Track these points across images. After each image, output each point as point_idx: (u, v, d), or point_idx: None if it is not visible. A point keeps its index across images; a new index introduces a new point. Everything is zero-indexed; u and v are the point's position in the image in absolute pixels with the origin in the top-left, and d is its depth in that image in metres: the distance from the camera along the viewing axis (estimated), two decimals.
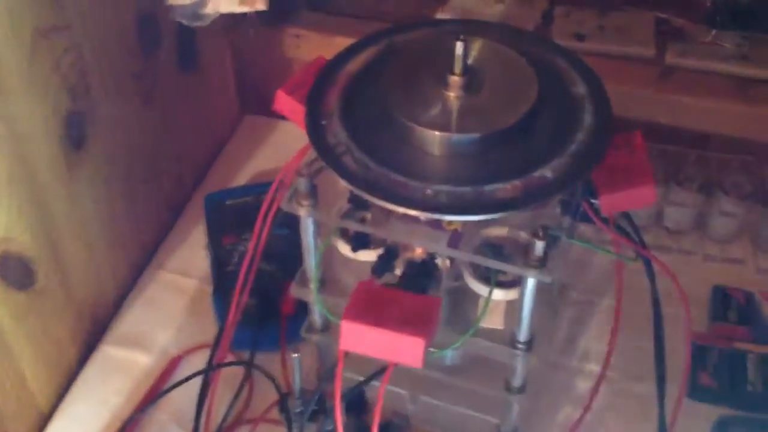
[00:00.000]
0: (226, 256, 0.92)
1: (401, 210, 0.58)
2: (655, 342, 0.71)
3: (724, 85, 0.93)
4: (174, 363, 0.86)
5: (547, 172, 0.60)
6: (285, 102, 0.70)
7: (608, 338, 0.73)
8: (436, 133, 0.60)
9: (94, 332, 0.88)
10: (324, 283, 0.70)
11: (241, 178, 1.04)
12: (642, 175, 0.64)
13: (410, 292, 0.61)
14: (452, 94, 0.62)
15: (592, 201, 0.64)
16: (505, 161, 0.61)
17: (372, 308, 0.57)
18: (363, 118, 0.64)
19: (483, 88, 0.63)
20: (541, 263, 0.59)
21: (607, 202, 0.63)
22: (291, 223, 0.67)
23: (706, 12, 0.95)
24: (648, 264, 0.68)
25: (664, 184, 0.92)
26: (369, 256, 0.68)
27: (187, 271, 0.95)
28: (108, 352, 0.87)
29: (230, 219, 0.95)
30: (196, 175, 1.04)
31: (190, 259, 0.96)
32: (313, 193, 0.63)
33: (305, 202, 0.63)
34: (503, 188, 0.59)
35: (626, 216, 0.68)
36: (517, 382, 0.68)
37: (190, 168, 1.02)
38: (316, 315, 0.73)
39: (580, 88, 0.66)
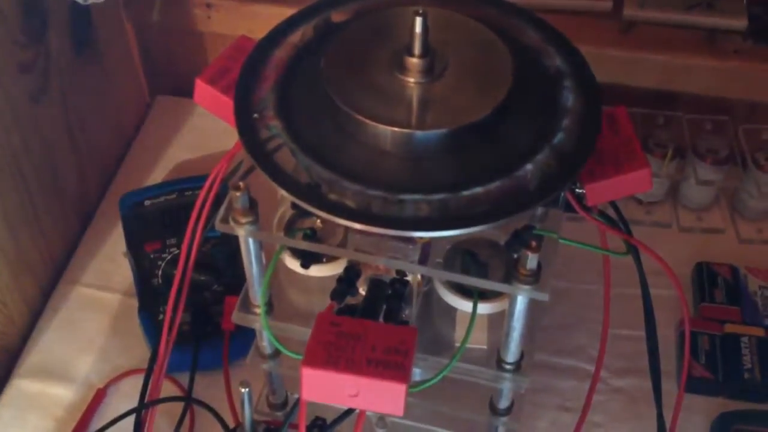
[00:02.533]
0: (150, 265, 0.80)
1: (356, 226, 0.48)
2: (648, 339, 0.63)
3: (690, 38, 0.85)
4: (100, 395, 0.75)
5: (531, 170, 0.51)
6: (206, 93, 0.59)
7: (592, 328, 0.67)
8: (395, 129, 0.50)
9: (4, 366, 0.76)
10: (271, 306, 0.59)
11: (159, 173, 0.92)
12: (632, 158, 0.55)
13: (379, 321, 0.52)
14: (411, 80, 0.52)
15: (577, 190, 0.55)
16: (481, 160, 0.51)
17: (337, 348, 0.48)
18: (305, 112, 0.54)
19: (447, 70, 0.53)
20: (535, 277, 0.49)
21: (594, 192, 0.54)
22: None
23: None
24: (636, 253, 0.59)
25: None
26: (323, 271, 0.58)
27: (106, 285, 0.83)
28: (22, 386, 0.76)
29: (151, 222, 0.83)
30: (105, 173, 0.91)
31: (107, 270, 0.84)
32: (252, 208, 0.52)
33: (243, 220, 0.52)
34: (481, 194, 0.49)
35: (611, 202, 0.59)
36: (503, 403, 0.59)
37: (97, 166, 0.89)
38: (264, 340, 0.62)
39: (557, 62, 0.57)
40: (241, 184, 0.51)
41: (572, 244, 0.56)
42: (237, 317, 0.59)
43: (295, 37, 0.59)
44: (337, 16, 0.61)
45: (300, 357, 0.49)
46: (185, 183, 0.86)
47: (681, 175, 0.85)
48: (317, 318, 0.49)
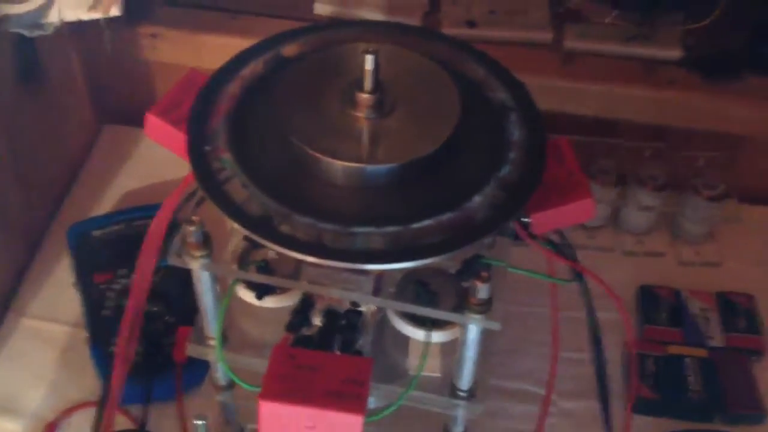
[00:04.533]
0: (100, 296, 0.79)
1: (308, 259, 0.49)
2: (596, 363, 0.66)
3: (629, 68, 0.87)
4: (50, 429, 0.74)
5: (479, 202, 0.52)
6: (157, 127, 0.59)
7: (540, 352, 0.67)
8: (348, 164, 0.51)
9: None
10: (225, 338, 0.60)
11: (107, 202, 0.92)
12: (576, 187, 0.57)
13: (335, 352, 0.53)
14: (362, 115, 0.53)
15: (523, 219, 0.56)
16: (431, 193, 0.52)
17: (294, 380, 0.49)
18: (257, 145, 0.55)
19: (397, 106, 0.54)
20: (486, 307, 0.51)
21: (540, 221, 0.56)
22: None
23: None
24: (582, 279, 0.61)
25: None
26: (277, 302, 0.59)
27: (54, 316, 0.82)
28: None
29: (100, 253, 0.83)
30: (52, 202, 0.90)
31: (56, 301, 0.83)
32: (206, 242, 0.53)
33: (198, 254, 0.53)
34: (431, 226, 0.50)
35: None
36: (457, 429, 0.60)
37: (44, 195, 0.89)
38: (219, 371, 0.63)
39: (501, 95, 0.58)
40: (194, 218, 0.52)
41: (521, 273, 0.58)
42: (192, 350, 0.59)
43: (247, 71, 0.60)
44: (288, 51, 0.62)
45: (256, 389, 0.49)
46: (134, 212, 0.85)
47: (623, 201, 0.87)
48: (273, 350, 0.50)
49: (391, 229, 0.50)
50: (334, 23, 0.67)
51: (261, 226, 0.50)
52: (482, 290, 0.50)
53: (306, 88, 0.55)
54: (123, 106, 0.99)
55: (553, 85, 0.87)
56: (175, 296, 0.77)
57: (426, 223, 0.50)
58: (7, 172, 0.81)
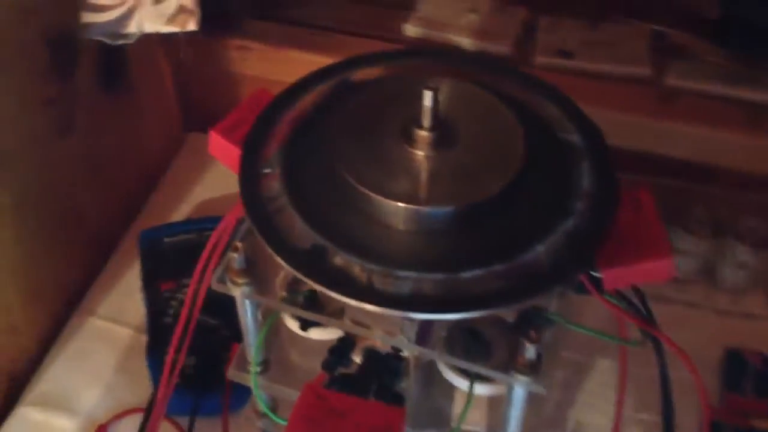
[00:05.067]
0: (163, 305, 0.79)
1: (351, 302, 0.46)
2: (665, 429, 0.61)
3: (733, 112, 0.81)
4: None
5: (540, 254, 0.49)
6: (219, 144, 0.58)
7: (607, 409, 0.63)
8: (399, 204, 0.49)
9: (10, 394, 0.76)
10: (268, 365, 0.58)
11: (185, 209, 0.92)
12: (655, 243, 0.53)
13: (370, 397, 0.51)
14: (419, 153, 0.51)
15: (593, 274, 0.53)
16: (487, 240, 0.49)
17: (320, 424, 0.47)
18: (311, 176, 0.53)
19: (457, 144, 0.51)
20: (533, 369, 0.47)
21: (611, 277, 0.52)
22: None
23: (713, 28, 0.83)
24: (657, 343, 0.57)
25: (668, 227, 0.80)
26: (323, 334, 0.57)
27: (120, 318, 0.82)
28: (26, 415, 0.75)
29: (168, 260, 0.83)
30: (129, 207, 0.91)
31: (124, 303, 0.83)
32: (250, 269, 0.51)
33: (240, 281, 0.51)
34: (483, 276, 0.48)
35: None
36: None
37: (121, 200, 0.89)
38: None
39: (575, 139, 0.55)
40: (238, 244, 0.50)
41: (583, 331, 0.55)
42: (232, 374, 0.58)
43: (311, 96, 0.59)
44: (357, 77, 0.60)
45: (285, 423, 0.48)
46: (206, 223, 0.85)
47: (717, 255, 0.81)
48: (303, 389, 0.48)
49: (441, 276, 0.47)
50: (404, 51, 0.65)
51: (304, 262, 0.48)
52: (530, 351, 0.47)
53: (365, 119, 0.53)
54: (209, 115, 0.99)
55: (648, 123, 0.83)
56: (234, 311, 0.76)
57: (479, 272, 0.48)
58: (86, 177, 0.82)
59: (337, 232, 0.49)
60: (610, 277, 0.51)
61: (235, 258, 0.50)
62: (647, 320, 0.57)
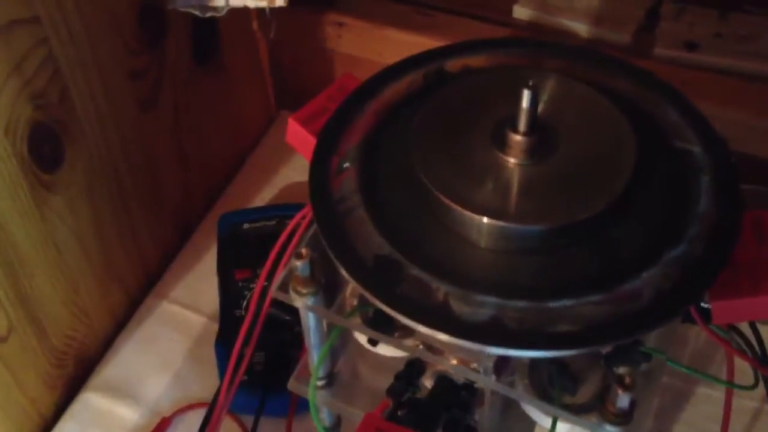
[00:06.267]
0: (237, 294, 0.76)
1: (422, 329, 0.41)
2: None
3: None
4: (164, 425, 0.71)
5: (642, 284, 0.42)
6: (297, 134, 0.54)
7: None
8: (484, 219, 0.43)
9: (77, 377, 0.74)
10: (333, 378, 0.54)
11: (270, 192, 0.88)
12: None
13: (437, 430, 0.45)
14: (512, 160, 0.45)
15: (703, 305, 0.46)
16: (583, 265, 0.43)
17: None
18: (388, 177, 0.48)
19: (557, 152, 0.45)
20: (625, 419, 0.41)
21: (722, 310, 0.45)
22: None
23: None
24: None
25: None
26: (394, 350, 0.51)
27: (194, 305, 0.79)
28: (90, 401, 0.73)
29: (246, 247, 0.79)
30: (213, 186, 0.88)
31: (199, 289, 0.80)
32: (314, 278, 0.46)
33: (304, 291, 0.47)
34: (576, 307, 0.41)
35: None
36: None
37: (205, 179, 0.86)
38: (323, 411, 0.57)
39: (694, 150, 0.48)
40: (304, 251, 0.45)
41: (685, 371, 0.48)
42: (292, 385, 0.54)
43: (403, 85, 0.53)
44: (452, 67, 0.54)
45: None
46: (288, 209, 0.80)
47: None
48: (363, 419, 0.43)
49: (525, 303, 0.41)
50: (504, 40, 0.59)
51: (370, 276, 0.43)
52: (623, 399, 0.40)
53: (454, 117, 0.47)
54: (304, 94, 0.95)
55: None
56: None
57: (570, 302, 0.41)
58: (169, 154, 0.79)
59: (411, 243, 0.44)
60: (720, 309, 0.45)
61: (299, 266, 0.45)
62: (761, 360, 0.51)
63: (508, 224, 0.42)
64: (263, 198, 0.87)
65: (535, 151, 0.44)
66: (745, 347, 0.51)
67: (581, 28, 0.81)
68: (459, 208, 0.43)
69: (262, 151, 0.93)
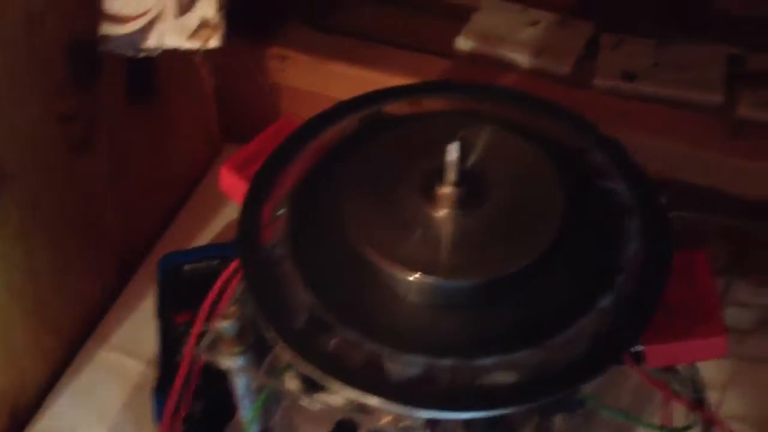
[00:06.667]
0: (178, 339, 0.73)
1: (350, 393, 0.40)
2: None
3: None
4: None
5: (573, 337, 0.42)
6: (230, 182, 0.53)
7: None
8: (409, 273, 0.42)
9: (11, 430, 0.72)
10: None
11: (214, 228, 0.86)
12: (706, 319, 0.46)
13: None
14: (442, 213, 0.44)
15: (636, 349, 0.46)
16: (513, 318, 0.42)
17: None
18: (318, 227, 0.47)
19: (486, 203, 0.44)
20: None
21: (656, 354, 0.45)
22: None
23: None
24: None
25: (727, 273, 0.72)
26: (327, 398, 0.50)
27: (135, 350, 0.77)
28: None
29: (187, 289, 0.76)
30: (155, 225, 0.86)
31: (140, 334, 0.77)
32: (243, 337, 0.45)
33: (232, 351, 0.45)
34: (503, 364, 0.41)
35: None
36: None
37: (146, 218, 0.84)
38: None
39: (624, 195, 0.48)
40: (231, 311, 0.44)
41: (620, 418, 0.48)
42: None
43: (339, 129, 0.53)
44: (389, 110, 0.54)
45: None
46: (232, 248, 0.79)
47: None
48: None
49: (454, 361, 0.41)
50: (434, 84, 0.58)
51: (297, 335, 0.42)
52: None
53: (384, 168, 0.47)
54: (250, 126, 0.94)
55: (715, 157, 0.74)
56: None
57: (501, 358, 0.41)
58: (105, 195, 0.77)
59: (341, 300, 0.43)
60: (654, 353, 0.45)
61: (226, 327, 0.44)
62: (698, 402, 0.50)
63: (436, 280, 0.42)
64: (209, 233, 0.86)
65: (464, 203, 0.44)
66: (680, 388, 0.52)
67: (522, 59, 0.81)
68: (386, 264, 0.42)
69: (207, 185, 0.91)
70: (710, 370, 0.51)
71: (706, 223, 0.75)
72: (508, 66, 0.82)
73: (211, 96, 0.92)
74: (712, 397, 0.52)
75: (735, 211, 0.75)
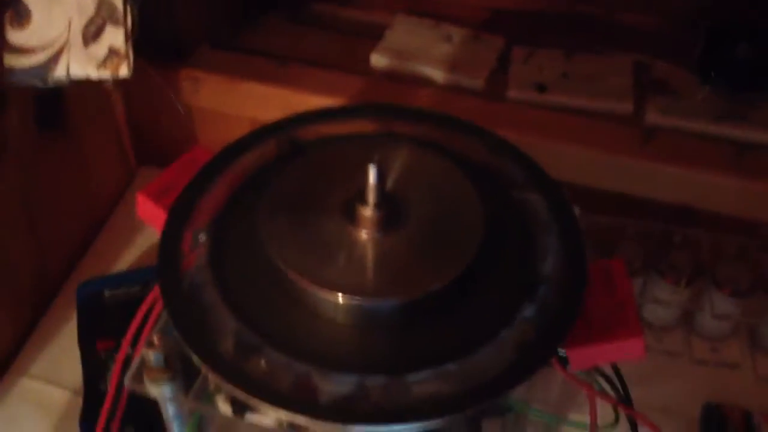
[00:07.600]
0: (100, 366, 0.73)
1: (281, 414, 0.40)
2: None
3: (717, 151, 0.75)
4: None
5: (498, 348, 0.43)
6: (148, 209, 0.52)
7: None
8: (333, 294, 0.42)
9: None
10: None
11: (133, 253, 0.85)
12: (624, 322, 0.48)
13: None
14: (364, 234, 0.44)
15: (560, 352, 0.47)
16: (437, 336, 0.43)
17: None
18: (239, 253, 0.47)
19: (407, 223, 0.45)
20: None
21: (578, 357, 0.47)
22: None
23: (698, 63, 0.77)
24: (633, 424, 0.53)
25: (644, 273, 0.75)
26: (260, 418, 0.50)
27: (57, 379, 0.75)
28: None
29: (108, 316, 0.76)
30: (72, 252, 0.84)
31: (61, 362, 0.76)
32: (169, 364, 0.45)
33: (158, 378, 0.45)
34: (430, 378, 0.41)
35: None
36: None
37: (62, 246, 0.83)
38: None
39: (541, 210, 0.49)
40: (155, 339, 0.44)
41: (547, 420, 0.49)
42: None
43: (256, 155, 0.53)
44: (305, 135, 0.54)
45: None
46: (152, 273, 0.78)
47: (696, 305, 0.75)
48: None
49: (383, 379, 0.41)
50: (353, 108, 0.58)
51: (224, 360, 0.42)
52: None
53: (304, 192, 0.47)
54: (165, 148, 0.93)
55: (628, 163, 0.76)
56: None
57: (425, 374, 0.41)
58: (17, 225, 0.75)
59: (267, 324, 0.43)
60: (577, 356, 0.47)
61: (151, 356, 0.44)
62: (622, 399, 0.53)
63: (361, 300, 0.42)
64: (128, 259, 0.84)
65: (386, 224, 0.44)
66: (606, 386, 0.53)
67: (437, 74, 0.82)
68: (311, 285, 0.43)
69: (123, 211, 0.90)
70: (632, 366, 0.53)
71: (624, 226, 0.78)
72: (424, 81, 0.83)
73: (123, 121, 0.90)
74: (635, 392, 0.54)
75: (650, 214, 0.78)
